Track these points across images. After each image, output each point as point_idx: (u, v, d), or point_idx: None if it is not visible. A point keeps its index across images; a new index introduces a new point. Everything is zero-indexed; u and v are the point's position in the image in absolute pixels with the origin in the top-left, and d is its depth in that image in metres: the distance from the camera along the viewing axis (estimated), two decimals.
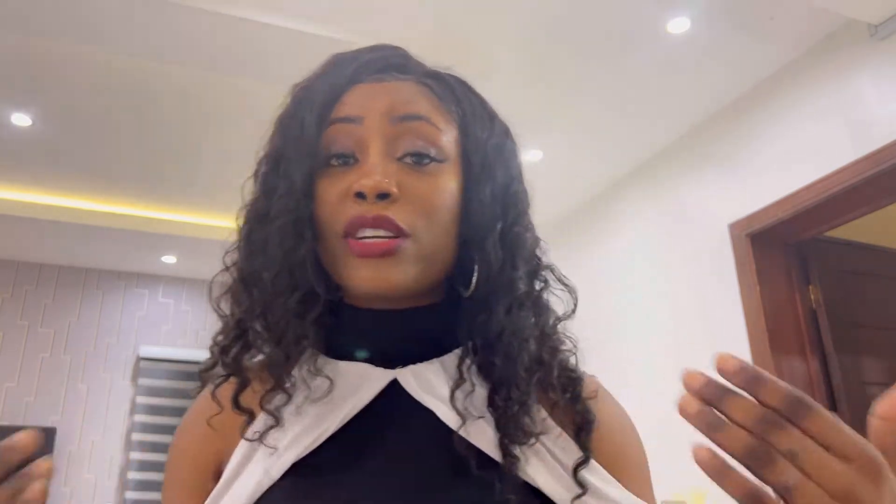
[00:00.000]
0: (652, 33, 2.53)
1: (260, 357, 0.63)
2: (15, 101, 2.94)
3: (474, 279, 0.61)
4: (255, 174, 0.67)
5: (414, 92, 0.64)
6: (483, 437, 0.59)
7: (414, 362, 0.63)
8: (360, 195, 0.58)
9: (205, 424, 0.64)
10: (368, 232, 0.58)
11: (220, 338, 0.64)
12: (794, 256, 2.80)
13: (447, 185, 0.62)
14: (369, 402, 0.61)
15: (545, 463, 0.59)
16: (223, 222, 3.78)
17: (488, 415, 0.60)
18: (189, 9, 2.26)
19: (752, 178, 2.78)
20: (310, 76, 0.68)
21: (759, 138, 2.78)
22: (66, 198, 3.77)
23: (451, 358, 0.63)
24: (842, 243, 2.93)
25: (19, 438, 0.44)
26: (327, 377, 0.61)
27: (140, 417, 4.29)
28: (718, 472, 0.41)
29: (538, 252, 0.67)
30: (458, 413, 0.58)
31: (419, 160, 0.61)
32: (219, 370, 0.63)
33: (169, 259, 4.40)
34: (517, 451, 0.57)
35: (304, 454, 0.58)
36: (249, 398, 0.62)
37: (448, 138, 0.63)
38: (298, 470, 0.58)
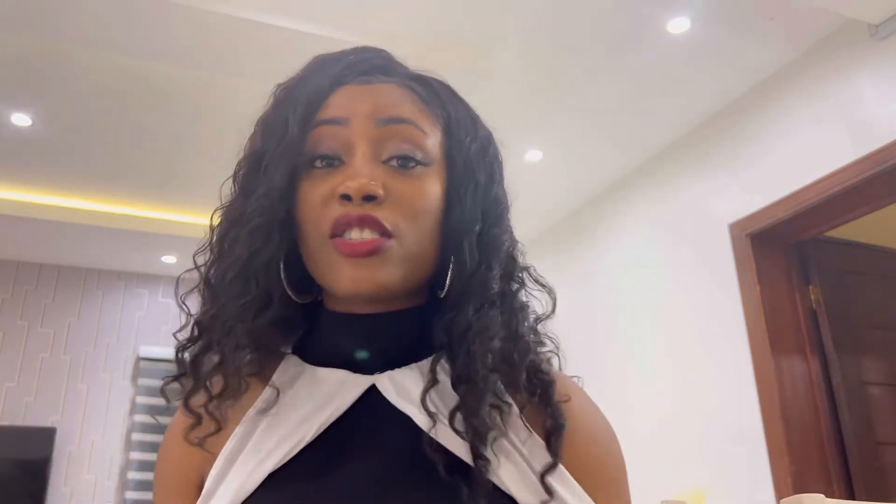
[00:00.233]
0: (652, 33, 2.53)
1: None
2: (15, 101, 2.94)
3: (448, 279, 0.62)
4: (237, 174, 0.66)
5: (399, 95, 0.64)
6: (454, 439, 0.58)
7: (393, 367, 0.63)
8: (346, 197, 0.58)
9: (182, 441, 0.63)
10: (354, 233, 0.58)
11: (181, 339, 0.64)
12: (794, 256, 2.80)
13: (431, 188, 0.62)
14: (348, 409, 0.61)
15: (515, 465, 0.59)
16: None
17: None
18: (189, 9, 2.26)
19: (752, 178, 2.78)
20: (293, 77, 0.68)
21: (759, 138, 2.78)
22: (66, 198, 3.77)
23: (428, 362, 0.62)
24: (842, 243, 2.93)
25: None
26: (304, 386, 0.61)
27: (140, 417, 4.29)
28: None
29: (515, 254, 0.67)
30: (429, 414, 0.58)
31: (404, 163, 0.62)
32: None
33: (169, 259, 4.41)
34: (487, 453, 0.57)
35: (281, 463, 0.58)
36: (201, 400, 0.62)
37: (432, 141, 0.64)
38: (275, 479, 0.58)
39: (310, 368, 0.64)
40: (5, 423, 4.10)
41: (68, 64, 2.69)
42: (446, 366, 0.61)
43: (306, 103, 0.63)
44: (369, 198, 0.58)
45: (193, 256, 0.65)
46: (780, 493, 2.44)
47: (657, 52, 2.61)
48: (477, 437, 0.57)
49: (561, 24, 2.49)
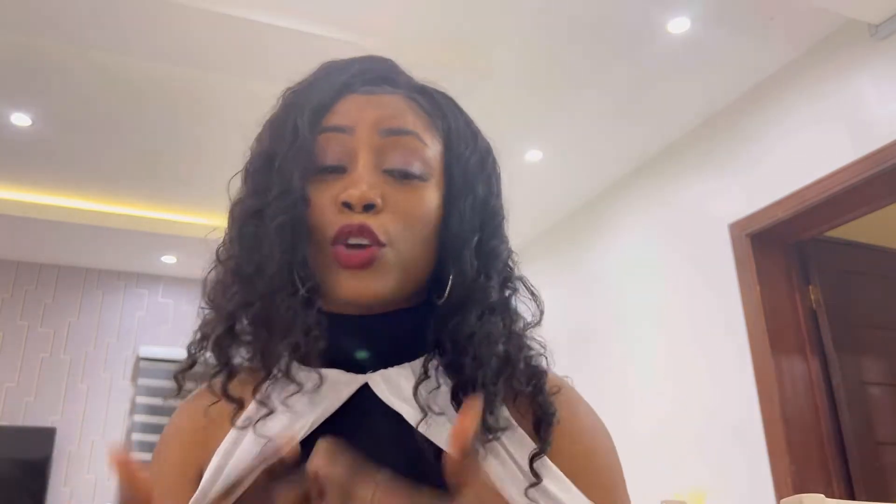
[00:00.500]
0: (652, 33, 2.53)
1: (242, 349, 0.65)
2: (15, 101, 2.94)
3: (448, 287, 0.64)
4: (247, 172, 0.69)
5: (403, 106, 0.67)
6: (443, 433, 0.60)
7: (386, 367, 0.65)
8: (347, 205, 0.61)
9: (185, 435, 0.66)
10: (352, 239, 0.61)
11: (202, 336, 0.66)
12: (794, 256, 2.80)
13: (429, 199, 0.65)
14: (341, 407, 0.63)
15: (500, 460, 0.60)
16: (223, 223, 3.78)
17: (452, 412, 0.61)
18: (190, 9, 2.27)
19: (752, 178, 2.78)
20: (301, 82, 0.70)
21: (759, 138, 2.78)
22: (66, 198, 3.77)
23: (420, 361, 0.64)
24: (842, 243, 2.93)
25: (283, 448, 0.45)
26: (299, 383, 0.63)
27: (140, 417, 4.29)
28: None
29: (511, 263, 0.70)
30: (420, 407, 0.60)
31: (404, 174, 0.64)
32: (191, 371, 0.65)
33: (169, 259, 4.41)
34: (477, 448, 0.58)
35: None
36: (237, 388, 0.64)
37: (433, 153, 0.66)
38: None
39: (304, 369, 0.65)
40: (5, 423, 4.11)
41: (68, 64, 2.69)
42: (437, 365, 0.63)
43: (313, 108, 0.66)
44: (369, 206, 0.61)
45: (216, 251, 0.68)
46: (780, 493, 2.44)
47: (657, 52, 2.61)
48: (478, 433, 0.58)
49: (561, 24, 2.49)
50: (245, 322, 0.64)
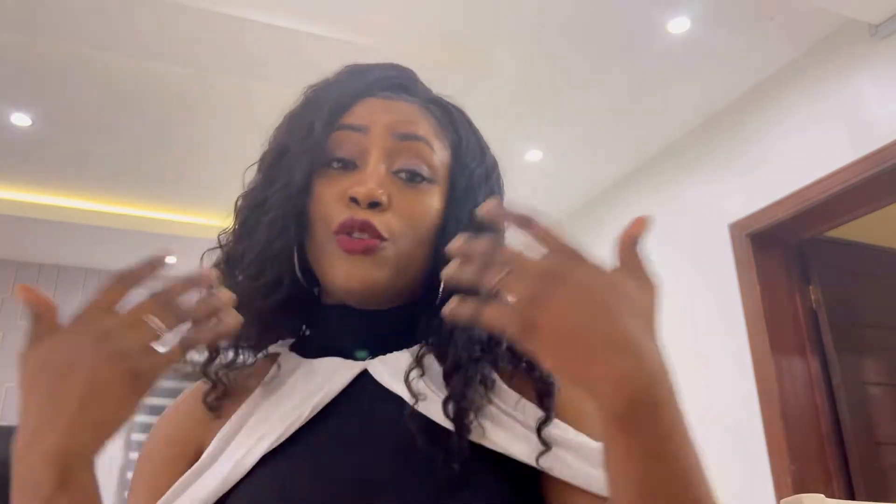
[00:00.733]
0: (652, 33, 2.53)
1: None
2: (15, 101, 2.94)
3: (441, 291, 0.66)
4: (261, 163, 0.72)
5: (417, 114, 0.70)
6: (438, 410, 0.62)
7: (383, 354, 0.68)
8: (354, 200, 0.64)
9: (183, 417, 0.70)
10: (355, 234, 0.64)
11: None
12: (794, 256, 2.80)
13: (432, 203, 0.68)
14: (342, 392, 0.65)
15: (506, 427, 0.62)
16: (224, 223, 3.78)
17: (443, 392, 0.63)
18: (189, 9, 2.26)
19: (752, 178, 2.78)
20: (323, 81, 0.73)
21: (759, 138, 2.78)
22: (66, 198, 3.77)
23: (417, 348, 0.67)
24: (842, 243, 2.93)
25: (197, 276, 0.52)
26: (300, 375, 0.66)
27: (140, 417, 4.29)
28: (469, 314, 0.47)
29: None
30: (410, 392, 0.62)
31: (411, 177, 0.67)
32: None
33: (169, 259, 4.40)
34: (470, 419, 0.61)
35: (275, 444, 0.61)
36: (234, 379, 0.68)
37: (440, 161, 0.70)
38: (270, 459, 0.61)
39: (305, 361, 0.68)
40: (5, 423, 4.10)
41: (68, 64, 2.69)
42: (426, 349, 0.66)
43: (332, 107, 0.68)
44: (374, 204, 0.64)
45: (218, 236, 0.71)
46: (780, 493, 2.44)
47: (657, 52, 2.61)
48: (461, 408, 0.61)
49: (561, 24, 2.49)
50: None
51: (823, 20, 2.46)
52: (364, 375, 0.66)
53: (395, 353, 0.67)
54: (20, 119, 3.04)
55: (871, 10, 2.32)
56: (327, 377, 0.65)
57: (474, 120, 0.77)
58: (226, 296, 0.55)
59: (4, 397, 4.18)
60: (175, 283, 0.53)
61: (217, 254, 0.71)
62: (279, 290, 0.66)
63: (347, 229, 0.64)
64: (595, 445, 0.60)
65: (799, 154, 2.59)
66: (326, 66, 0.76)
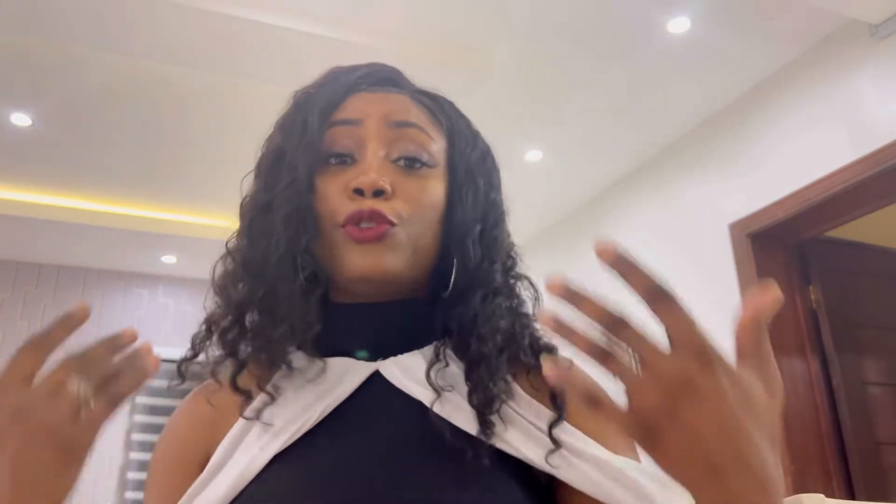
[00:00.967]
0: (652, 33, 2.53)
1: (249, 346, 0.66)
2: (15, 101, 2.94)
3: (454, 274, 0.66)
4: (259, 169, 0.71)
5: (408, 103, 0.71)
6: (458, 411, 0.61)
7: (396, 355, 0.66)
8: (358, 191, 0.64)
9: (194, 417, 0.68)
10: (363, 224, 0.63)
11: (207, 328, 0.68)
12: (794, 256, 2.80)
13: (435, 188, 0.68)
14: (353, 394, 0.64)
15: (520, 428, 0.62)
16: (223, 222, 3.78)
17: (464, 390, 0.63)
18: (189, 9, 2.26)
19: (752, 178, 2.78)
20: (310, 85, 0.73)
21: (759, 138, 2.78)
22: (66, 198, 3.77)
23: (431, 348, 0.67)
24: (842, 243, 2.93)
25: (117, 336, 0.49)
26: (310, 375, 0.65)
27: (140, 417, 4.29)
28: (565, 333, 0.44)
29: (513, 254, 0.73)
30: (433, 388, 0.62)
31: (411, 163, 0.67)
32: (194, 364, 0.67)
33: (169, 259, 4.40)
34: (492, 419, 0.60)
35: (286, 444, 0.61)
36: (245, 380, 0.65)
37: (437, 147, 0.70)
38: (281, 459, 0.60)
39: (317, 360, 0.67)
40: None
41: (68, 64, 2.69)
42: (450, 351, 0.65)
43: (323, 106, 0.68)
44: (379, 192, 0.64)
45: (226, 243, 0.70)
46: None
47: (657, 52, 2.61)
48: (486, 406, 0.60)
49: (561, 24, 2.49)
50: (252, 314, 0.66)
51: (823, 20, 2.46)
52: (375, 375, 0.65)
53: (406, 354, 0.66)
54: (20, 119, 3.04)
55: (871, 10, 2.32)
56: (338, 378, 0.65)
57: (474, 120, 0.77)
58: (145, 345, 0.52)
59: None
60: (95, 345, 0.50)
61: (228, 261, 0.69)
62: (319, 283, 0.65)
63: (356, 220, 0.63)
64: (608, 457, 0.60)
65: (799, 154, 2.59)
66: (326, 66, 0.76)
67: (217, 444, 0.64)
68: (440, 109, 0.73)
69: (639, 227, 3.37)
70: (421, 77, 0.77)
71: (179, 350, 0.67)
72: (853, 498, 2.47)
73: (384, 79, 0.73)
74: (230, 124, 3.02)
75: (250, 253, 0.67)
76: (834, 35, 2.52)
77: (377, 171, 0.64)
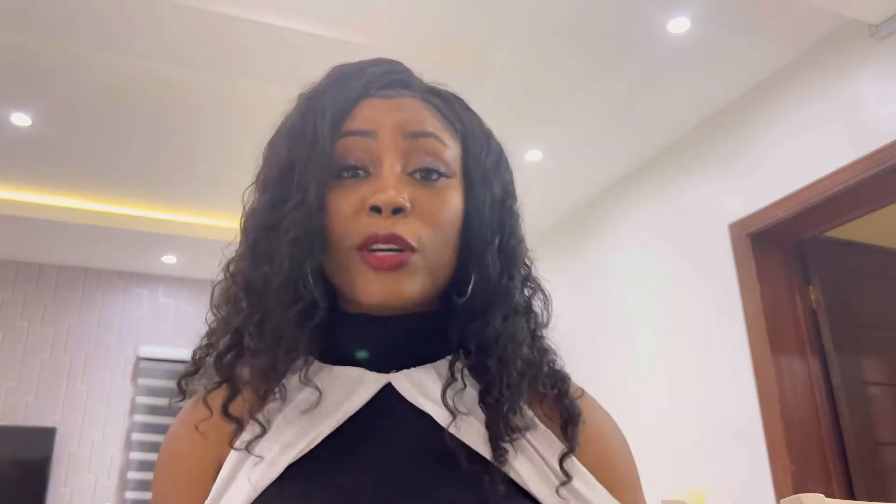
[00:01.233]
0: (652, 33, 2.53)
1: (246, 367, 0.63)
2: (15, 101, 2.94)
3: (470, 288, 0.64)
4: (264, 182, 0.67)
5: (422, 109, 0.67)
6: (473, 433, 0.60)
7: (408, 367, 0.64)
8: (376, 209, 0.61)
9: (193, 434, 0.64)
10: (380, 247, 0.61)
11: (207, 344, 0.65)
12: (794, 256, 2.80)
13: (453, 200, 0.65)
14: (364, 406, 0.62)
15: (530, 459, 0.61)
16: (223, 222, 3.79)
17: (478, 413, 0.61)
18: (189, 9, 2.26)
19: (752, 178, 2.78)
20: (315, 87, 0.69)
21: (759, 138, 2.78)
22: (66, 198, 3.77)
23: (444, 363, 0.64)
24: (842, 243, 2.93)
25: None
26: (320, 383, 0.62)
27: (140, 417, 4.29)
28: None
29: (528, 262, 0.70)
30: (449, 410, 0.60)
31: (427, 175, 0.64)
32: (195, 377, 0.65)
33: (169, 259, 4.41)
34: (506, 446, 0.59)
35: (299, 456, 0.59)
36: (238, 407, 0.62)
37: (453, 154, 0.67)
38: (291, 474, 0.58)
39: (326, 367, 0.65)
40: (5, 423, 4.11)
41: (69, 64, 2.69)
42: (459, 365, 0.63)
43: (333, 114, 0.65)
44: (397, 210, 0.61)
45: (227, 264, 0.67)
46: (779, 493, 2.44)
47: (657, 52, 2.61)
48: (502, 435, 0.59)
49: (561, 25, 2.49)
50: (251, 338, 0.62)
51: (823, 20, 2.47)
52: (386, 388, 0.63)
53: (419, 368, 0.64)
54: (20, 119, 3.04)
55: (871, 10, 2.32)
56: (350, 389, 0.63)
57: None
58: None
59: (4, 397, 4.18)
60: None
61: (229, 282, 0.66)
62: (316, 314, 0.62)
63: (372, 244, 0.60)
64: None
65: (799, 154, 2.59)
66: (326, 66, 0.73)
67: (226, 454, 0.62)
68: (452, 111, 0.70)
69: (639, 227, 3.37)
70: (421, 78, 0.76)
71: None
72: (853, 498, 2.47)
73: (394, 81, 0.69)
74: (230, 124, 3.02)
75: (252, 275, 0.64)
76: (834, 35, 2.52)
77: (395, 187, 0.61)
